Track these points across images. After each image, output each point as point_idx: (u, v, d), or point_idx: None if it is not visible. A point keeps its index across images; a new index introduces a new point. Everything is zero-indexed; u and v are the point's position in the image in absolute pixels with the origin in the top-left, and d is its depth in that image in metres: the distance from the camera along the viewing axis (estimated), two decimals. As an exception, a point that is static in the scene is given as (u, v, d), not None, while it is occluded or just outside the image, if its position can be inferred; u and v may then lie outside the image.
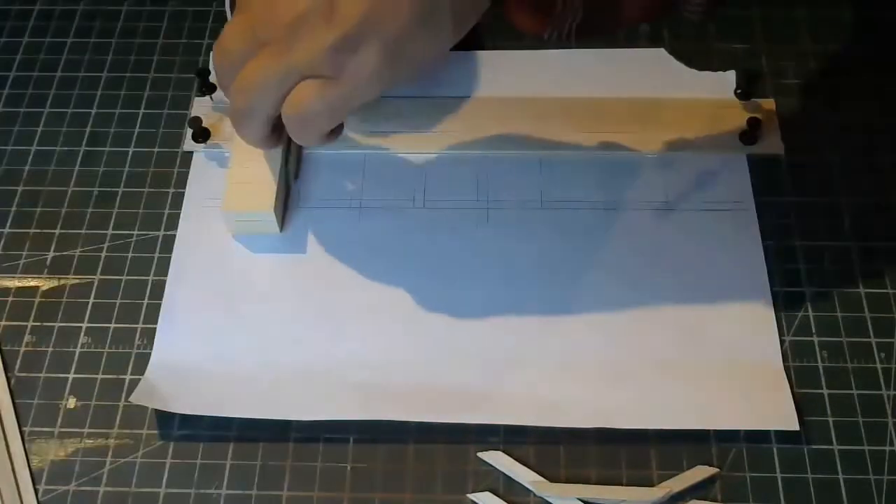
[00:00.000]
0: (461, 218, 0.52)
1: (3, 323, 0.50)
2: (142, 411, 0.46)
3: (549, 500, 0.44)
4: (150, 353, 0.48)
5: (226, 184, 0.50)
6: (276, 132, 0.46)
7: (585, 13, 0.56)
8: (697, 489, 0.44)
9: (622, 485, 0.44)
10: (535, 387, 0.46)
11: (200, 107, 0.56)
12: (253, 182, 0.50)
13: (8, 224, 0.53)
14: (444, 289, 0.49)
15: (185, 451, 0.46)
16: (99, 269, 0.51)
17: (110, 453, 0.46)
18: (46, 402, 0.47)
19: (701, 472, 0.44)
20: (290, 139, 0.52)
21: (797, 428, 0.45)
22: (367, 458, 0.45)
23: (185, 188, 0.53)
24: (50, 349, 0.49)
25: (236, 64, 0.43)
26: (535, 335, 0.48)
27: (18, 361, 0.48)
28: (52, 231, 0.53)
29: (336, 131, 0.46)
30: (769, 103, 0.55)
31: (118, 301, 0.50)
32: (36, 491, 0.45)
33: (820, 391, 0.46)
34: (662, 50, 0.57)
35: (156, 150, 0.55)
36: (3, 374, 0.48)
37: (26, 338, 0.49)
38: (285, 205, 0.52)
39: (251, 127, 0.45)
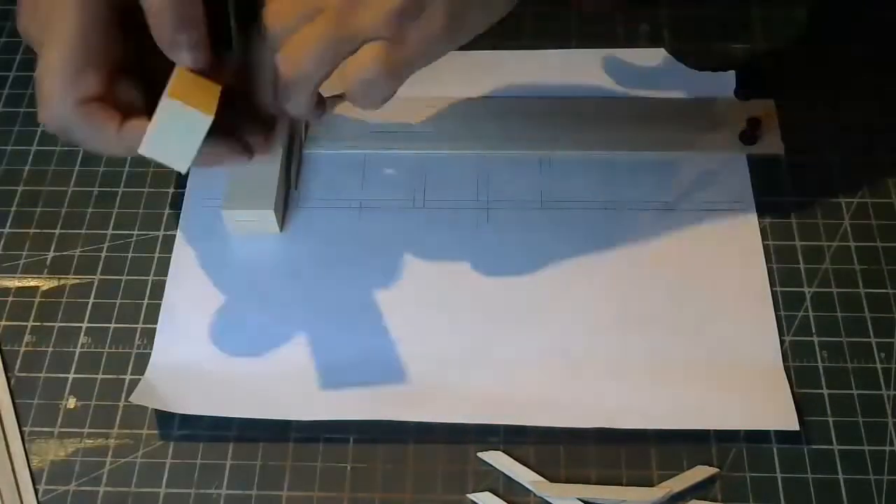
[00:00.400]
0: (461, 218, 0.52)
1: (3, 323, 0.50)
2: (142, 411, 0.46)
3: (549, 500, 0.44)
4: (150, 353, 0.48)
5: (226, 184, 0.50)
6: (322, 103, 0.44)
7: None
8: (697, 489, 0.44)
9: (622, 485, 0.44)
10: (535, 387, 0.46)
11: (200, 107, 0.56)
12: (253, 182, 0.50)
13: (8, 224, 0.53)
14: (444, 289, 0.49)
15: (185, 451, 0.46)
16: (99, 269, 0.51)
17: (110, 453, 0.46)
18: (46, 402, 0.47)
19: (701, 472, 0.44)
20: (290, 145, 0.52)
21: (797, 428, 0.45)
22: (367, 458, 0.45)
23: (185, 188, 0.53)
24: (50, 349, 0.49)
25: (289, 29, 0.41)
26: (534, 335, 0.48)
27: (18, 361, 0.48)
28: (52, 231, 0.53)
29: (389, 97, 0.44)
30: (769, 103, 0.55)
31: (118, 301, 0.50)
32: (36, 491, 0.45)
33: (820, 391, 0.46)
34: (662, 50, 0.57)
35: (156, 150, 0.55)
36: (3, 374, 0.48)
37: (26, 338, 0.49)
38: (285, 205, 0.52)
39: (301, 97, 0.42)
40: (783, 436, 0.45)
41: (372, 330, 0.48)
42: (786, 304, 0.49)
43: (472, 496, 0.44)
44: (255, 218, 0.50)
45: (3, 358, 0.48)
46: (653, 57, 0.57)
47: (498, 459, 0.45)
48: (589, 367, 0.47)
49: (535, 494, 0.44)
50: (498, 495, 0.44)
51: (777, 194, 0.52)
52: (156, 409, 0.46)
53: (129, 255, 0.52)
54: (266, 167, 0.51)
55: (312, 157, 0.54)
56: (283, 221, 0.51)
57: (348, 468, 0.45)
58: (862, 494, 0.44)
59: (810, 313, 0.49)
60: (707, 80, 0.56)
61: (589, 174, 0.53)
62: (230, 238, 0.51)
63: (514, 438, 0.45)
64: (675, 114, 0.54)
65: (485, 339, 0.48)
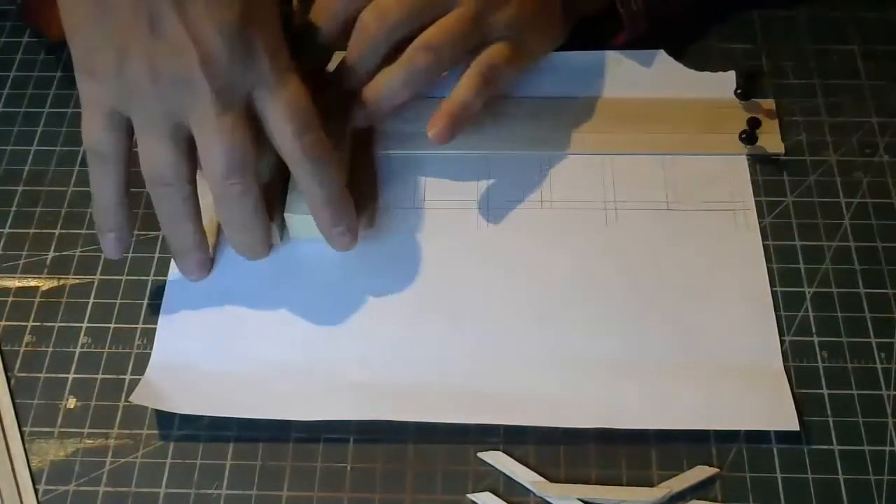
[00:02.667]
0: (461, 218, 0.52)
1: (3, 323, 0.50)
2: (142, 411, 0.46)
3: (549, 500, 0.44)
4: (150, 353, 0.48)
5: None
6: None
7: None
8: (697, 489, 0.44)
9: (622, 485, 0.44)
10: (535, 387, 0.46)
11: (200, 107, 0.56)
12: None
13: (8, 224, 0.53)
14: (444, 289, 0.49)
15: (185, 451, 0.46)
16: (99, 269, 0.51)
17: (110, 453, 0.46)
18: (46, 402, 0.47)
19: (701, 472, 0.44)
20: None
21: (797, 428, 0.45)
22: (367, 458, 0.45)
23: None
24: (50, 349, 0.49)
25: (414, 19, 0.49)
26: (534, 335, 0.48)
27: (18, 361, 0.48)
28: (52, 231, 0.53)
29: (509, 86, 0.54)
30: (769, 103, 0.55)
31: (118, 301, 0.50)
32: (36, 491, 0.45)
33: (820, 391, 0.46)
34: (662, 51, 0.57)
35: (156, 150, 0.55)
36: (3, 374, 0.48)
37: (26, 338, 0.49)
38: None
39: (431, 76, 0.49)
40: (783, 436, 0.45)
41: (372, 330, 0.48)
42: (786, 304, 0.49)
43: (472, 496, 0.44)
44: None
45: (3, 358, 0.48)
46: (653, 57, 0.57)
47: (498, 459, 0.45)
48: (589, 367, 0.47)
49: (534, 494, 0.44)
50: (498, 495, 0.44)
51: (777, 194, 0.52)
52: (156, 409, 0.46)
53: (129, 255, 0.51)
54: None
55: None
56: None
57: (348, 468, 0.45)
58: (862, 494, 0.44)
59: (810, 313, 0.49)
60: (707, 80, 0.56)
61: (589, 174, 0.53)
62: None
63: (514, 438, 0.45)
64: (675, 114, 0.55)
65: (484, 339, 0.48)
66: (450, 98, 0.50)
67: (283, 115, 0.44)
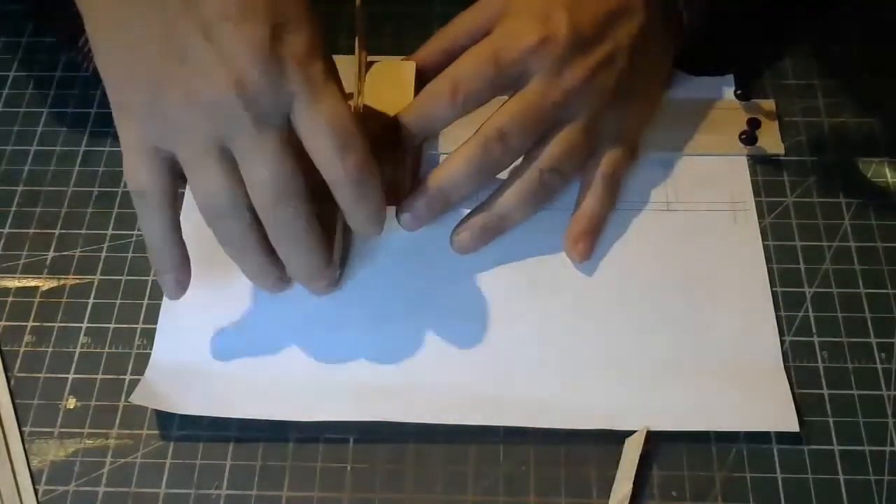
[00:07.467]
0: (461, 218, 0.52)
1: (3, 323, 0.50)
2: (142, 411, 0.46)
3: None
4: (150, 353, 0.48)
5: None
6: None
7: None
8: (697, 489, 0.44)
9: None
10: (535, 387, 0.46)
11: (200, 107, 0.56)
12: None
13: (8, 224, 0.53)
14: (444, 289, 0.49)
15: (185, 451, 0.46)
16: (99, 269, 0.51)
17: (110, 453, 0.46)
18: (46, 402, 0.47)
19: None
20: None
21: (797, 429, 0.45)
22: (367, 458, 0.45)
23: (185, 188, 0.53)
24: (50, 349, 0.49)
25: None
26: (534, 335, 0.48)
27: (18, 361, 0.48)
28: (52, 231, 0.53)
29: None
30: (769, 103, 0.55)
31: (118, 301, 0.50)
32: (36, 491, 0.45)
33: (820, 391, 0.46)
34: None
35: (156, 150, 0.55)
36: (3, 374, 0.48)
37: (26, 338, 0.49)
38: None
39: (554, 194, 0.50)
40: (783, 436, 0.45)
41: (371, 330, 0.48)
42: (786, 304, 0.49)
43: None
44: None
45: (3, 358, 0.48)
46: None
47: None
48: (589, 367, 0.47)
49: (534, 494, 0.44)
50: (498, 495, 0.44)
51: (777, 194, 0.52)
52: (156, 409, 0.46)
53: (129, 255, 0.52)
54: None
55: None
56: None
57: (348, 468, 0.45)
58: (862, 495, 0.44)
59: (810, 313, 0.49)
60: (707, 82, 0.56)
61: (589, 174, 0.53)
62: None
63: (514, 438, 0.45)
64: (675, 115, 0.54)
65: (485, 339, 0.48)
66: (583, 214, 0.50)
67: (320, 132, 0.41)
